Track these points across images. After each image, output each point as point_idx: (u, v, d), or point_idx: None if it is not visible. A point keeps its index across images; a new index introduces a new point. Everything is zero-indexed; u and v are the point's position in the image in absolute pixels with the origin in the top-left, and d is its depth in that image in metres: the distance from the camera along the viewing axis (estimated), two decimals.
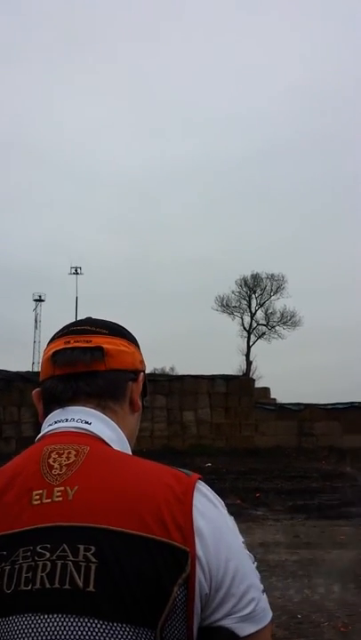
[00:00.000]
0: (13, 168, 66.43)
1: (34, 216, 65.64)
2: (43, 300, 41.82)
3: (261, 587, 0.85)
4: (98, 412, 0.94)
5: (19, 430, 15.79)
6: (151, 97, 66.23)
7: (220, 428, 17.99)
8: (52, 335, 1.04)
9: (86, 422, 0.92)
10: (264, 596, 0.85)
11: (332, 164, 60.69)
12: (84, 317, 1.07)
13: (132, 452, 0.96)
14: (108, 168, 66.20)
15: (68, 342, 0.98)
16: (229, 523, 0.86)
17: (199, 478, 0.87)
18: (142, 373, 1.04)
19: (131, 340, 1.05)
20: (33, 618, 0.74)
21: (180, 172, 60.22)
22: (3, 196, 64.67)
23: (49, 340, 1.04)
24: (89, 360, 0.96)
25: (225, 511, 0.87)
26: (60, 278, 63.18)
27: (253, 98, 66.98)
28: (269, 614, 0.85)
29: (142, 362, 1.06)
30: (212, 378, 18.65)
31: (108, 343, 0.98)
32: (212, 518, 0.83)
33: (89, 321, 1.04)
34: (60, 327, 1.05)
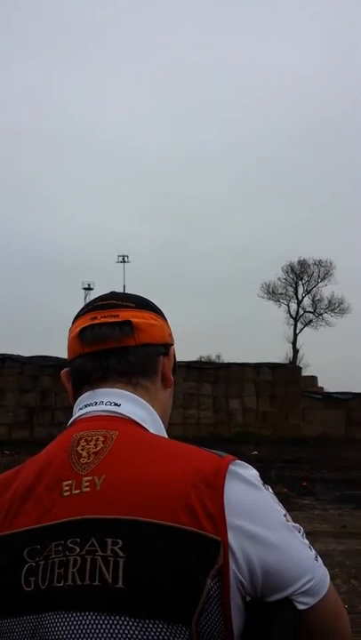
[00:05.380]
0: (55, 160, 67.62)
1: (78, 206, 66.75)
2: (92, 289, 42.59)
3: (311, 557, 0.80)
4: (127, 392, 0.90)
5: (70, 416, 16.22)
6: (185, 86, 65.94)
7: (267, 416, 17.94)
8: (77, 312, 0.98)
9: (115, 404, 0.89)
10: (315, 567, 0.80)
11: None
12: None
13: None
14: (143, 157, 66.67)
15: (95, 318, 0.93)
16: (269, 505, 0.80)
17: (234, 459, 0.81)
18: (172, 347, 1.00)
19: (158, 312, 0.99)
20: (66, 616, 0.73)
21: (216, 159, 59.79)
22: (49, 189, 65.94)
23: (74, 317, 0.98)
24: (118, 335, 0.91)
25: (266, 493, 0.81)
26: (107, 267, 64.24)
27: (287, 79, 65.63)
28: (325, 586, 0.81)
29: (171, 335, 1.01)
30: (258, 366, 18.58)
31: (136, 317, 0.93)
32: (246, 503, 0.77)
33: (114, 295, 0.98)
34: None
